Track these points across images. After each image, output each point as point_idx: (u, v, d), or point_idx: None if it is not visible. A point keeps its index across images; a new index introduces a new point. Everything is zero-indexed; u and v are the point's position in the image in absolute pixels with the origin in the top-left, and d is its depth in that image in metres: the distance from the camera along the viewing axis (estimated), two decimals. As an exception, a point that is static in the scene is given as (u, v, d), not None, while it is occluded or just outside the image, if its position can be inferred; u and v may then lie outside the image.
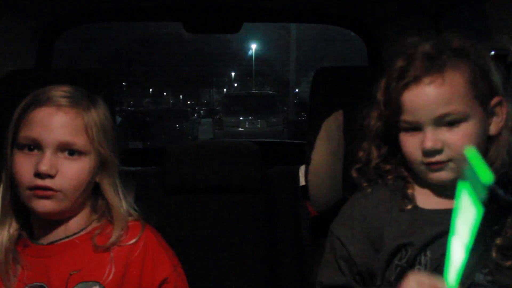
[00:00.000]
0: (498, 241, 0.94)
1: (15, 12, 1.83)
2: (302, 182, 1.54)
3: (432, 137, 0.97)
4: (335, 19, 2.30)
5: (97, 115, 1.07)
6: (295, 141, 3.11)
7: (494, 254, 0.94)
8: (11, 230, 1.07)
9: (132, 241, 1.08)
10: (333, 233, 1.12)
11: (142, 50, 21.49)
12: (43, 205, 1.02)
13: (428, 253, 0.98)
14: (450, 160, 0.97)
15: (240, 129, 13.65)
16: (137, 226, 1.11)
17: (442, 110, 0.96)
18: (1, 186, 1.07)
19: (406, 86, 0.99)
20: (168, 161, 1.68)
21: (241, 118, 14.05)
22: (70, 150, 1.03)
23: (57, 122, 1.02)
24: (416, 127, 0.99)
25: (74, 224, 1.09)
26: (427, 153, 0.98)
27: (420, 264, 0.99)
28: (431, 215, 1.01)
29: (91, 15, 2.21)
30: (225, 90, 28.25)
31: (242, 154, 1.72)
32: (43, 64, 2.08)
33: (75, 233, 1.09)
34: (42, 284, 1.04)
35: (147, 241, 1.10)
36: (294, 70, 18.98)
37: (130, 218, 1.12)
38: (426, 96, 0.97)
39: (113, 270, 1.05)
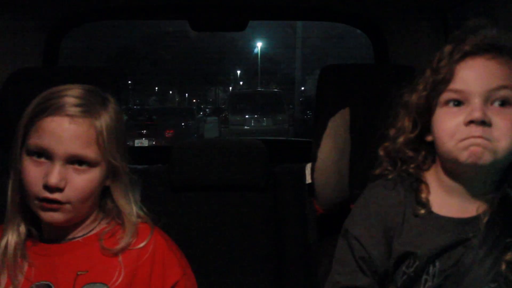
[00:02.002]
0: (508, 256, 0.92)
1: (22, 11, 1.84)
2: (308, 180, 1.54)
3: (482, 108, 0.92)
4: (341, 16, 2.29)
5: (109, 118, 1.04)
6: (301, 139, 3.10)
7: (503, 268, 0.91)
8: (21, 228, 1.07)
9: (141, 245, 1.07)
10: (349, 233, 1.07)
11: (148, 49, 21.52)
12: (51, 217, 1.02)
13: (437, 263, 0.97)
14: (490, 140, 0.91)
15: (246, 127, 13.63)
16: (146, 229, 1.10)
17: (498, 82, 0.92)
18: (10, 184, 1.06)
19: (466, 55, 0.96)
20: (174, 159, 1.68)
21: (247, 116, 14.04)
22: (80, 161, 1.01)
23: (69, 134, 0.99)
24: (460, 101, 0.95)
25: (83, 225, 1.09)
26: (476, 123, 0.92)
27: (428, 274, 0.97)
28: (445, 223, 0.99)
29: (97, 14, 2.22)
30: (230, 88, 28.26)
31: (248, 152, 1.71)
32: (50, 63, 2.08)
33: (83, 234, 1.09)
34: (48, 283, 1.03)
35: (156, 244, 1.09)
36: (300, 68, 18.96)
37: (139, 220, 1.11)
38: (485, 67, 0.95)
39: (122, 273, 1.04)
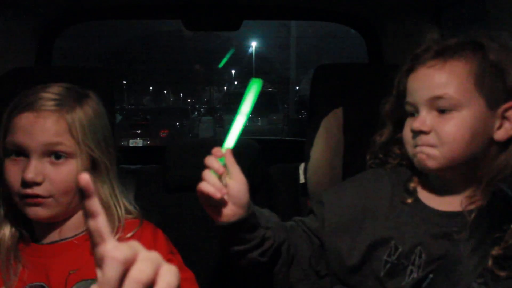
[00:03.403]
0: (495, 251, 0.92)
1: (15, 10, 1.83)
2: (302, 179, 1.54)
3: (421, 118, 0.98)
4: (335, 16, 2.29)
5: (83, 114, 1.05)
6: (295, 138, 3.10)
7: (490, 264, 0.92)
8: (13, 229, 1.07)
9: (128, 235, 1.08)
10: (318, 199, 1.14)
11: (142, 48, 21.50)
12: (35, 212, 1.02)
13: (423, 255, 0.98)
14: (434, 146, 0.97)
15: (240, 126, 13.60)
16: (135, 223, 1.11)
17: (435, 92, 0.96)
18: (1, 187, 1.07)
19: (411, 69, 1.02)
20: (169, 159, 1.68)
21: (241, 116, 14.02)
22: (56, 153, 1.02)
23: (39, 127, 1.00)
24: (416, 111, 1.00)
25: (74, 225, 1.09)
26: (414, 133, 0.99)
27: (413, 264, 0.98)
28: (429, 214, 1.01)
29: (91, 13, 2.21)
30: (225, 88, 28.25)
31: (242, 151, 1.71)
32: (43, 63, 2.08)
33: (75, 234, 1.09)
34: (42, 283, 1.03)
35: (142, 234, 1.10)
36: (295, 68, 18.98)
37: (129, 217, 1.12)
38: (424, 77, 0.99)
39: None
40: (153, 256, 0.57)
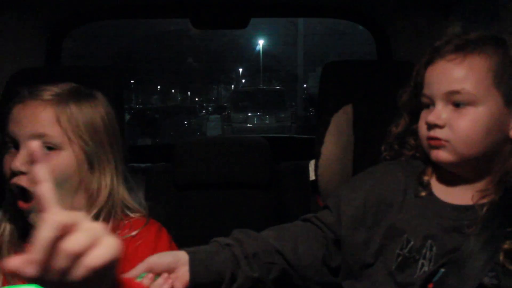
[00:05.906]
0: (507, 245, 0.92)
1: (23, 11, 1.84)
2: (312, 176, 1.54)
3: (437, 112, 0.98)
4: (343, 13, 2.28)
5: (77, 108, 1.05)
6: (304, 136, 3.10)
7: (501, 258, 0.91)
8: (13, 227, 1.08)
9: (131, 234, 1.07)
10: (334, 194, 1.12)
11: (150, 48, 21.53)
12: (28, 207, 1.02)
13: (434, 248, 0.97)
14: (448, 141, 0.97)
15: (248, 125, 13.63)
16: (142, 221, 1.11)
17: (452, 87, 0.96)
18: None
19: (430, 61, 1.02)
20: (178, 157, 1.68)
21: (249, 114, 14.03)
22: (45, 144, 1.02)
23: (26, 116, 1.02)
24: (432, 104, 1.00)
25: None
26: (428, 126, 0.99)
27: (424, 258, 0.98)
28: (442, 207, 1.01)
29: (98, 13, 2.22)
30: (233, 86, 28.25)
31: (251, 149, 1.71)
32: (52, 63, 2.09)
33: None
34: None
35: (147, 234, 1.09)
36: (302, 65, 18.94)
37: (137, 215, 1.12)
38: (442, 70, 0.98)
39: None
40: (95, 227, 0.58)
